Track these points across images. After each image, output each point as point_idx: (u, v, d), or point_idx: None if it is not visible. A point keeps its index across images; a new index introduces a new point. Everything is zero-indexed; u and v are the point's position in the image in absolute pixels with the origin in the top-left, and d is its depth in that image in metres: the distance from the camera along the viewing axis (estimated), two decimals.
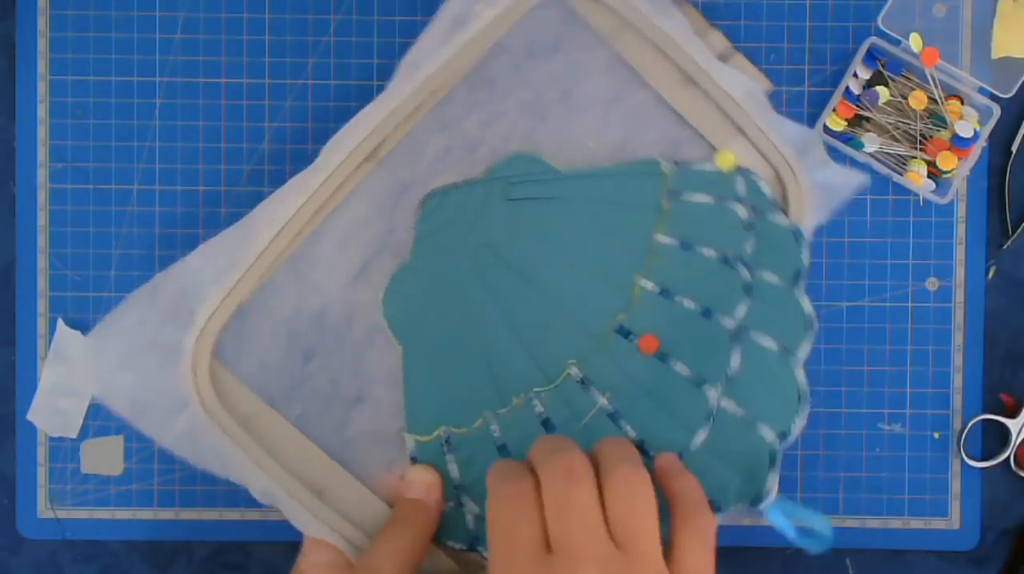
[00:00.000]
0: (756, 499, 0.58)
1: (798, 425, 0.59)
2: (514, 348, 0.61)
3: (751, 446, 0.59)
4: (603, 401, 0.60)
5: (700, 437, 0.59)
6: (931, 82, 0.61)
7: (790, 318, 0.60)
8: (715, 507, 0.58)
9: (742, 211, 0.60)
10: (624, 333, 0.60)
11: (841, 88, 0.62)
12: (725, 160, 0.61)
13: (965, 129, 0.61)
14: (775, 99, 0.63)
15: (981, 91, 0.62)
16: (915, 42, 0.61)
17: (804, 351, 0.59)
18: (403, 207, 0.62)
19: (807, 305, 0.60)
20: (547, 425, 0.60)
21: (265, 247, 0.60)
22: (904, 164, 0.62)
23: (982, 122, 0.62)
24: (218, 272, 0.60)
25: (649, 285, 0.61)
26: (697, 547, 0.53)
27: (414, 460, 0.61)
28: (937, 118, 0.62)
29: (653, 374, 0.60)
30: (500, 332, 0.61)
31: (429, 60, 0.60)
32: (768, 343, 0.59)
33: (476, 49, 0.61)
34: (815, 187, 0.61)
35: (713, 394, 0.59)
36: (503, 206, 0.61)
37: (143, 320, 0.60)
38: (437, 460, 0.61)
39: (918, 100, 0.61)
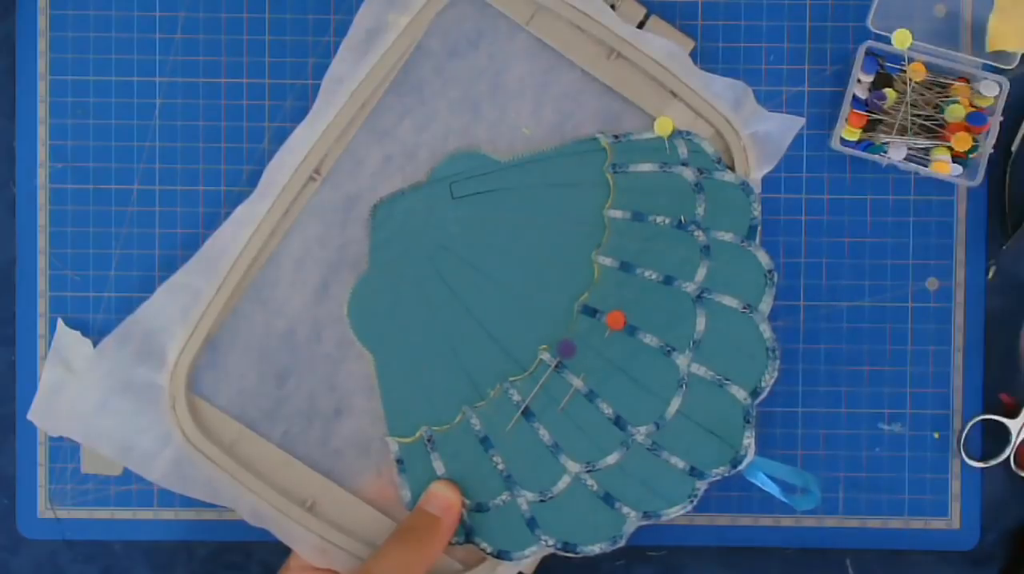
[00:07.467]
0: (736, 461, 0.59)
1: (768, 381, 0.60)
2: (483, 341, 0.61)
3: (724, 408, 0.60)
4: (578, 383, 0.60)
5: (674, 405, 0.60)
6: (932, 70, 0.61)
7: (749, 273, 0.60)
8: (697, 474, 0.59)
9: (688, 174, 0.61)
10: (590, 312, 0.61)
11: (848, 99, 0.61)
12: (664, 126, 0.62)
13: (990, 88, 0.60)
14: (775, 99, 0.63)
15: (985, 70, 0.61)
16: (898, 39, 0.60)
17: (766, 305, 0.60)
18: (353, 221, 0.62)
19: (764, 258, 0.61)
20: (526, 413, 0.61)
21: (224, 278, 0.61)
22: (927, 155, 0.62)
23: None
24: (182, 309, 0.61)
25: (608, 261, 0.61)
26: None
27: (400, 463, 0.62)
28: (948, 101, 0.61)
29: (623, 349, 0.60)
30: (467, 328, 0.62)
31: (351, 75, 0.61)
32: (731, 302, 0.60)
33: (396, 57, 0.61)
34: (755, 138, 0.62)
35: (683, 361, 0.60)
36: (451, 205, 0.62)
37: (115, 366, 0.62)
38: (422, 460, 0.61)
39: (916, 72, 0.61)
